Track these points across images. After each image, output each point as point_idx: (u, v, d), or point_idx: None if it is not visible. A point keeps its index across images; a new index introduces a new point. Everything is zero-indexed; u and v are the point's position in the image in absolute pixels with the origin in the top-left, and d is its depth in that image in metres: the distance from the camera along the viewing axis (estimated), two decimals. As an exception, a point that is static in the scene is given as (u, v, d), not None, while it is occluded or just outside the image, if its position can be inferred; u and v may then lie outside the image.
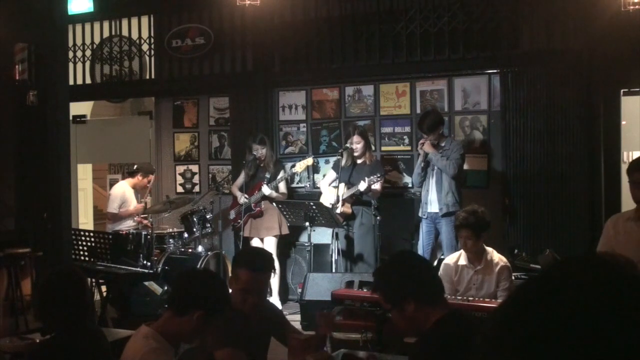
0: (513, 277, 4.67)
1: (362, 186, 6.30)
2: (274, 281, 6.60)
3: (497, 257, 4.56)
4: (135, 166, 7.73)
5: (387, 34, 7.03)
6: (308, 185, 7.41)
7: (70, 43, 7.94)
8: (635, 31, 5.99)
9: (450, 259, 4.72)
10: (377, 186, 6.40)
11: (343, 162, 6.62)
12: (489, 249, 4.59)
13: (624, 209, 6.62)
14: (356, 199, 6.51)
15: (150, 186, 7.83)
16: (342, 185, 6.50)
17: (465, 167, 6.50)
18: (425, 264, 2.86)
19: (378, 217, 6.31)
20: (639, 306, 0.73)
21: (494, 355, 0.76)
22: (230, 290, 3.07)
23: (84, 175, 9.56)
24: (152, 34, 8.08)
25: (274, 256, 6.70)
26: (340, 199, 6.42)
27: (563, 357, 0.71)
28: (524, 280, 0.84)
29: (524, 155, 6.56)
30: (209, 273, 3.16)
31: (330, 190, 6.79)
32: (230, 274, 6.96)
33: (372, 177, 6.29)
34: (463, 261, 4.59)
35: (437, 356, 2.47)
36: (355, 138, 6.54)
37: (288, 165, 7.43)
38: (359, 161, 6.61)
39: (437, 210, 6.11)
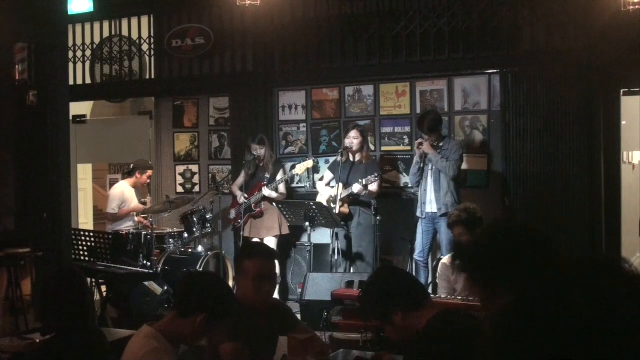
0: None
1: (356, 188, 6.32)
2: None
3: None
4: (132, 165, 7.72)
5: (387, 34, 7.03)
6: (308, 186, 7.41)
7: (70, 43, 7.94)
8: (635, 31, 5.99)
9: (447, 259, 4.74)
10: (373, 187, 6.40)
11: (338, 158, 6.62)
12: None
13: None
14: (353, 199, 6.51)
15: (149, 182, 7.82)
16: (339, 185, 6.50)
17: (465, 167, 6.50)
18: (401, 273, 2.94)
19: (378, 217, 6.31)
20: (639, 306, 0.73)
21: (498, 356, 0.76)
22: (236, 290, 3.09)
23: (84, 175, 9.56)
24: (152, 34, 8.08)
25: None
26: (338, 199, 6.42)
27: (565, 357, 0.71)
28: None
29: (524, 155, 6.56)
30: (215, 277, 3.19)
31: (328, 191, 6.80)
32: (231, 274, 7.00)
33: (368, 177, 6.29)
34: None
35: (429, 356, 2.50)
36: (353, 133, 6.56)
37: (288, 165, 7.44)
38: (355, 159, 6.61)
39: (435, 210, 6.11)
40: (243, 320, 3.00)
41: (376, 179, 6.32)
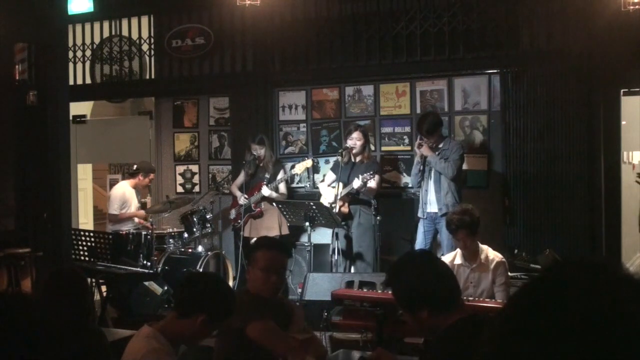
0: (511, 275, 4.67)
1: (356, 184, 6.31)
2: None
3: (492, 254, 4.59)
4: (135, 166, 7.72)
5: (387, 34, 7.03)
6: (308, 186, 7.41)
7: (70, 43, 7.94)
8: (635, 31, 6.00)
9: (446, 259, 4.73)
10: (372, 184, 6.40)
11: (339, 159, 6.63)
12: (484, 247, 4.61)
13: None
14: (353, 198, 6.51)
15: (150, 185, 7.83)
16: (339, 185, 6.50)
17: (465, 167, 6.50)
18: (441, 268, 2.67)
19: (378, 217, 6.31)
20: (638, 307, 0.73)
21: (498, 358, 0.76)
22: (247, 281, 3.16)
23: (84, 175, 9.56)
24: (152, 34, 8.08)
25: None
26: (338, 198, 6.43)
27: (565, 358, 0.71)
28: (524, 282, 0.84)
29: (524, 155, 6.56)
30: (217, 278, 3.21)
31: (329, 191, 6.80)
32: (231, 274, 7.00)
33: (365, 174, 6.29)
34: (459, 260, 4.60)
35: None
36: (356, 134, 6.56)
37: (288, 165, 7.44)
38: (357, 160, 6.61)
39: (436, 210, 6.10)
40: (250, 309, 3.04)
41: (372, 176, 6.31)
